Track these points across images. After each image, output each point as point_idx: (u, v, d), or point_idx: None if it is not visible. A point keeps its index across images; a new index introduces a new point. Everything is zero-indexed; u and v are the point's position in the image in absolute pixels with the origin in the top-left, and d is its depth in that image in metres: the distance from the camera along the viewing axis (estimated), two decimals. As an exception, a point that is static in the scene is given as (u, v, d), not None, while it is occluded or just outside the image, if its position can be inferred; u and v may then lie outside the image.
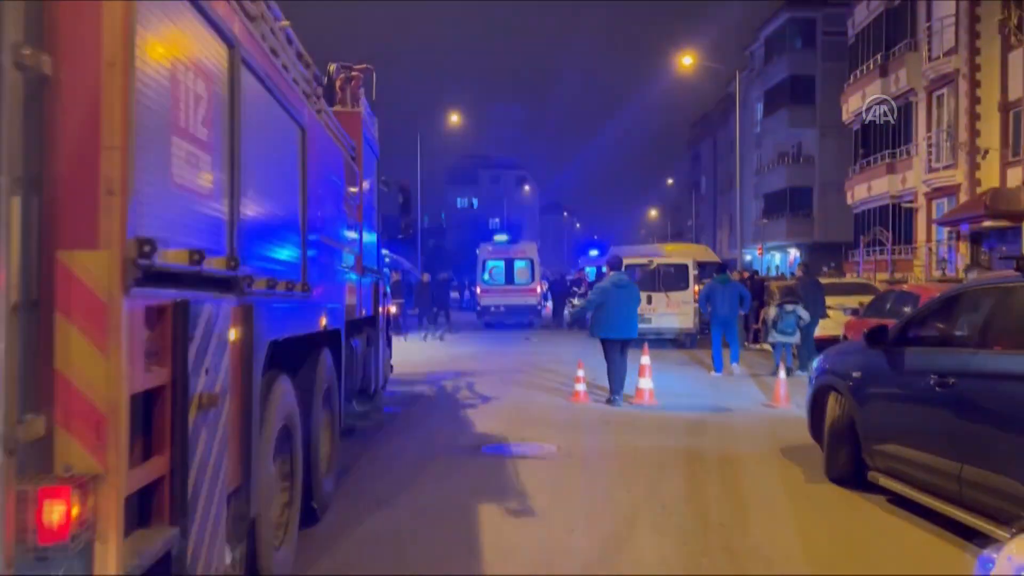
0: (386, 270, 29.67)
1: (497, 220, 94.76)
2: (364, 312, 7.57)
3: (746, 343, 20.77)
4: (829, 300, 16.42)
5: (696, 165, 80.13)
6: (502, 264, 28.30)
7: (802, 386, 13.20)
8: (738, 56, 56.99)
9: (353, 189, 6.82)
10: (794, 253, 52.05)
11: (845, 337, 15.24)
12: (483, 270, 28.04)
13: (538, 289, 28.47)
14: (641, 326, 20.91)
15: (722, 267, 18.64)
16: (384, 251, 37.09)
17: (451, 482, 7.39)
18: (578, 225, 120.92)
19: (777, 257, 52.95)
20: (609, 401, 11.58)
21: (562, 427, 10.03)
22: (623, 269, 13.67)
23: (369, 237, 8.12)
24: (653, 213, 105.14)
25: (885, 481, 6.59)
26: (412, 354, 19.14)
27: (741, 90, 41.53)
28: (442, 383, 14.03)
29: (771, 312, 14.83)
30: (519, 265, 28.34)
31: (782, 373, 11.71)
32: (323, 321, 4.93)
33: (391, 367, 11.15)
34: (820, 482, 7.39)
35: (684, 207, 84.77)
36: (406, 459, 8.23)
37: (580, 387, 12.06)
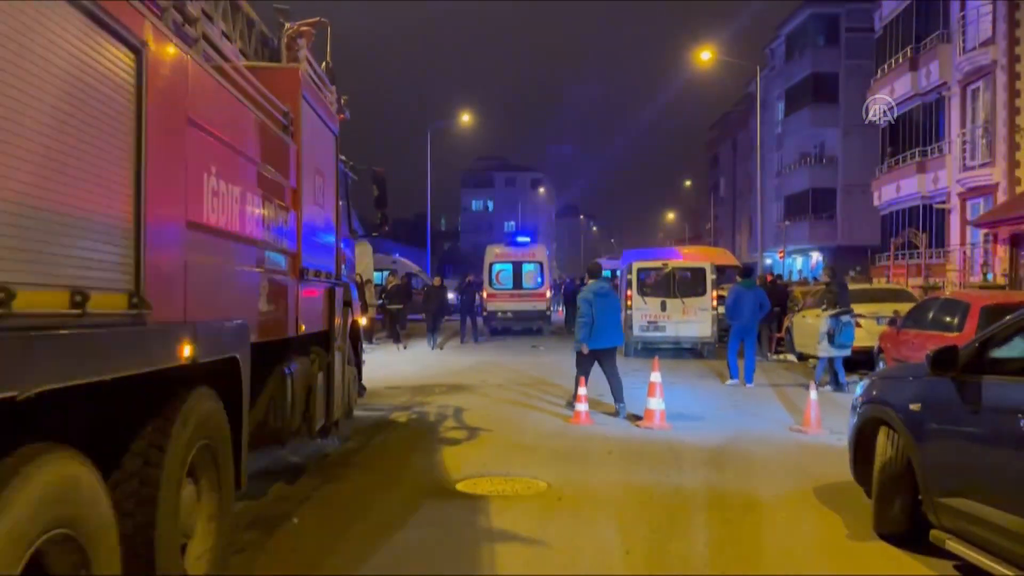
0: (388, 272, 28.21)
1: (512, 223, 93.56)
2: (306, 327, 6.14)
3: (768, 354, 19.25)
4: (861, 308, 14.93)
5: (715, 167, 78.52)
6: (510, 267, 26.85)
7: (835, 406, 11.72)
8: (758, 55, 55.29)
9: (280, 167, 5.38)
10: (816, 257, 50.34)
11: (881, 350, 13.70)
12: (490, 274, 26.51)
13: (548, 294, 26.96)
14: (654, 335, 19.56)
15: (748, 269, 17.12)
16: (400, 258, 35.77)
17: (409, 537, 5.98)
18: (595, 229, 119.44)
19: (799, 261, 51.20)
20: (616, 412, 10.94)
21: (557, 457, 8.60)
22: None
23: (318, 232, 6.71)
24: (671, 216, 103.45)
25: (954, 545, 5.11)
26: (405, 367, 17.79)
27: (761, 89, 39.94)
28: (427, 403, 12.62)
29: (821, 323, 13.41)
30: (528, 268, 26.88)
31: (813, 393, 10.20)
32: (187, 349, 3.35)
33: (362, 388, 9.68)
34: (867, 539, 5.93)
35: (702, 210, 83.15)
36: (359, 505, 6.80)
37: (581, 407, 10.61)
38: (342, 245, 7.93)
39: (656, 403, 10.26)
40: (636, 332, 18.96)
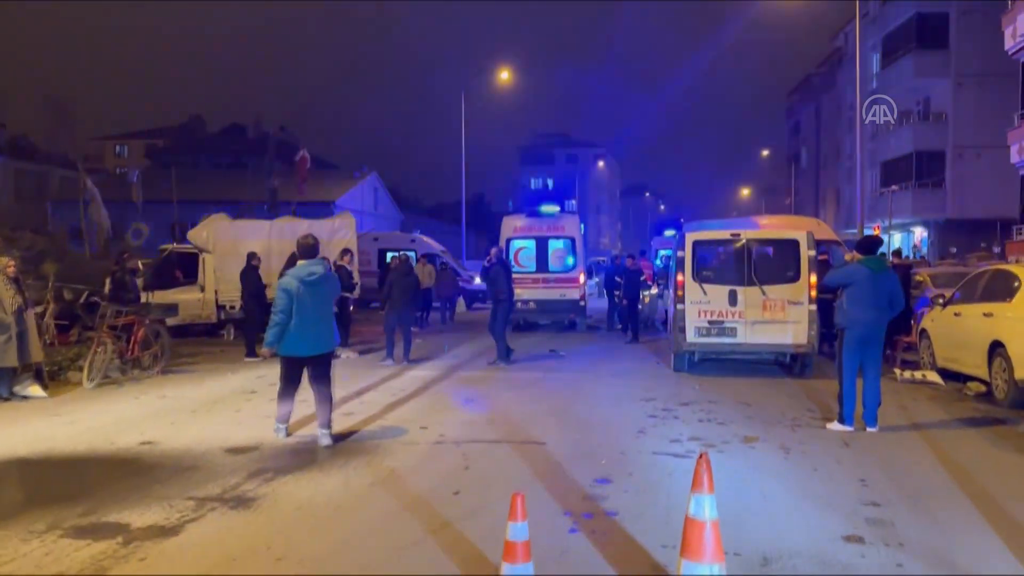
0: (393, 255, 21.79)
1: (573, 202, 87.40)
2: None
3: (895, 370, 12.74)
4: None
5: (795, 136, 70.79)
6: (532, 244, 20.65)
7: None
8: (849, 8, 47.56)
9: None
10: (920, 232, 42.88)
11: None
12: (508, 252, 20.18)
13: (581, 279, 20.63)
14: (718, 340, 12.86)
15: (872, 242, 10.04)
16: (420, 236, 28.86)
17: None
18: (662, 207, 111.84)
19: (897, 237, 43.65)
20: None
21: None
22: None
23: None
24: (745, 192, 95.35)
25: None
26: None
27: (853, 39, 32.80)
28: (251, 498, 6.74)
29: None
30: (556, 246, 20.63)
31: None
32: None
33: None
34: None
35: (779, 184, 75.43)
36: None
37: (517, 535, 4.31)
38: None
39: (706, 518, 4.01)
40: (690, 336, 12.47)
